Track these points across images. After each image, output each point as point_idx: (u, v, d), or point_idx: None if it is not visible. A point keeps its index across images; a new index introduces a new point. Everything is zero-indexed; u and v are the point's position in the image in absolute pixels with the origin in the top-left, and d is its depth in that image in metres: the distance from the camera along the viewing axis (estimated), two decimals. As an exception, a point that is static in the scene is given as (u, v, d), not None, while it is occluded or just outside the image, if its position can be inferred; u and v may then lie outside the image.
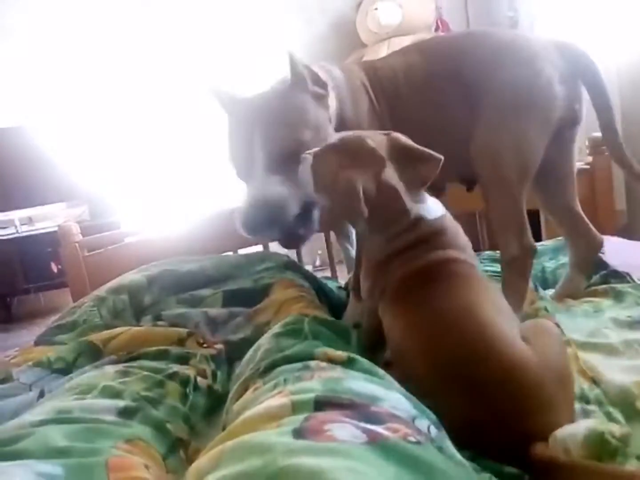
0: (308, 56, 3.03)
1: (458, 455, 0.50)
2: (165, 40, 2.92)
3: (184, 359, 0.90)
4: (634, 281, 1.17)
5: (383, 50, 2.72)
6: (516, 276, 1.06)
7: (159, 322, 1.08)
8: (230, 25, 2.93)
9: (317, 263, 3.11)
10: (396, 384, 0.65)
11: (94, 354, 0.95)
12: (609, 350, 0.92)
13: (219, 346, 1.00)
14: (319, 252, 2.98)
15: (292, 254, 1.58)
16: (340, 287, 1.46)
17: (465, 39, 1.16)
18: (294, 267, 1.32)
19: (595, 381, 0.82)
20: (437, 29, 2.87)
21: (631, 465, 0.62)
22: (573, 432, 0.63)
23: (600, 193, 1.49)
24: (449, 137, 1.11)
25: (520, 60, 1.06)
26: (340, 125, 1.06)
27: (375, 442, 0.44)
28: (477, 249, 1.70)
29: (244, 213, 0.95)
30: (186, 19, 2.91)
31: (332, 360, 0.67)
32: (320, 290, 1.28)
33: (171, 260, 1.32)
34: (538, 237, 1.50)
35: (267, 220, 0.95)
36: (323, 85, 1.01)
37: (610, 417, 0.72)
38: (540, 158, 1.06)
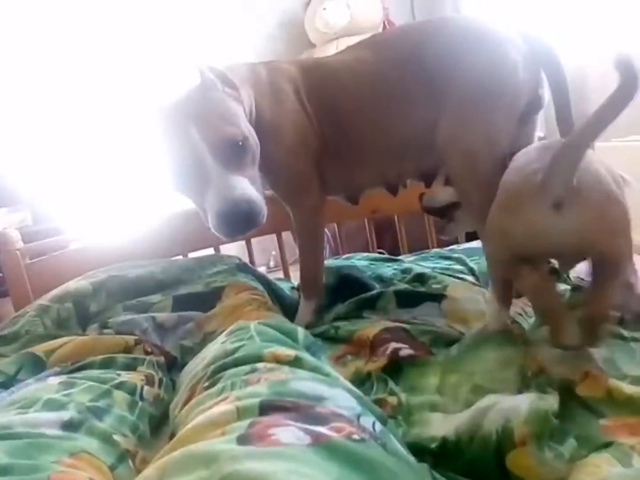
0: (257, 56, 3.01)
1: (402, 450, 0.52)
2: (97, 40, 2.84)
3: (131, 367, 0.89)
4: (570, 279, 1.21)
5: (332, 50, 2.74)
6: None
7: (105, 330, 1.06)
8: (177, 26, 2.88)
9: (271, 264, 3.11)
10: (342, 381, 0.66)
11: (36, 365, 0.92)
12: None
13: (168, 353, 0.99)
14: (273, 253, 2.97)
15: (244, 255, 1.58)
16: (293, 288, 1.47)
17: (424, 27, 1.12)
18: (246, 269, 1.32)
19: (540, 369, 0.86)
20: (384, 29, 2.91)
21: (569, 445, 0.65)
22: (516, 405, 0.65)
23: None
24: (406, 132, 1.09)
25: (485, 44, 1.02)
26: (257, 124, 1.05)
27: (319, 443, 0.45)
28: (425, 247, 1.74)
29: (226, 215, 0.92)
30: (129, 14, 2.84)
31: (279, 360, 0.67)
32: (273, 292, 1.28)
33: (119, 266, 1.29)
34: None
35: (252, 220, 0.94)
36: (232, 85, 1.01)
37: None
38: (509, 146, 1.02)
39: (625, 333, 0.92)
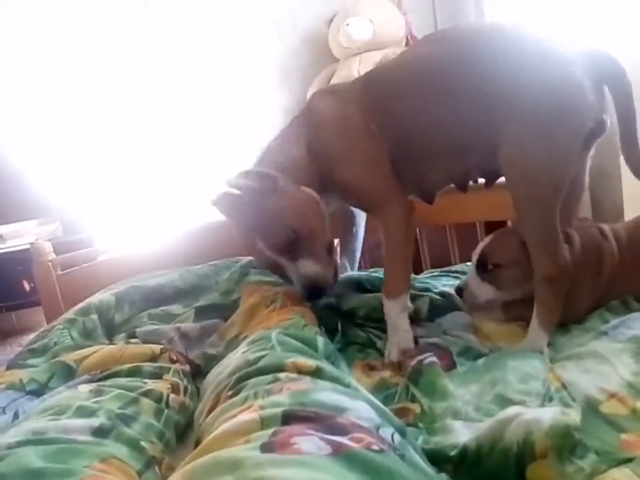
0: (281, 70, 3.03)
1: (421, 462, 0.53)
2: (126, 58, 2.92)
3: (157, 375, 0.91)
4: None
5: (355, 65, 2.76)
6: (550, 295, 1.02)
7: (132, 340, 1.09)
8: (202, 42, 2.95)
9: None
10: (362, 392, 0.67)
11: (67, 373, 0.95)
12: (577, 359, 0.96)
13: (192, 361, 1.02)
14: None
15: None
16: None
17: (490, 33, 1.08)
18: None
19: (564, 385, 0.86)
20: (407, 44, 2.92)
21: (589, 459, 0.65)
22: (538, 418, 0.65)
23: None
24: (465, 134, 1.07)
25: (551, 62, 0.98)
26: (326, 154, 1.13)
27: (339, 453, 0.47)
28: (448, 263, 1.73)
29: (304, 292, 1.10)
30: (154, 31, 2.92)
31: (301, 370, 0.69)
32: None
33: (139, 277, 1.34)
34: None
35: (322, 288, 1.10)
36: (267, 177, 1.09)
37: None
38: (572, 171, 1.01)
39: None
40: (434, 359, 0.94)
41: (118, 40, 2.85)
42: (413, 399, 0.86)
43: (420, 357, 0.95)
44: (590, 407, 0.78)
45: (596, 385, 0.83)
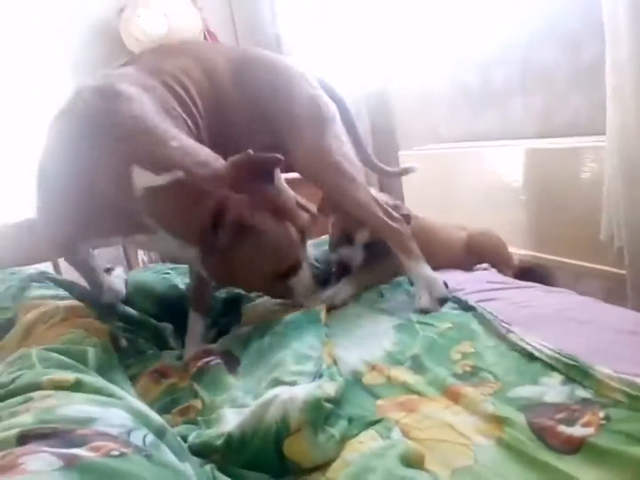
0: (71, 62, 2.78)
1: (173, 460, 0.54)
2: None
3: None
4: None
5: (151, 59, 2.67)
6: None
7: None
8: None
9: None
10: (126, 400, 0.65)
11: None
12: (348, 332, 1.05)
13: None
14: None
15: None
16: None
17: (263, 66, 1.25)
18: (41, 277, 1.25)
19: (335, 361, 0.94)
20: (205, 39, 2.91)
21: (340, 426, 0.71)
22: (293, 396, 0.70)
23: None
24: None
25: (305, 84, 1.25)
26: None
27: (70, 466, 0.45)
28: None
29: None
30: None
31: (58, 386, 0.65)
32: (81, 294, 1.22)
33: None
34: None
35: None
36: None
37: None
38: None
39: None
40: (219, 360, 0.97)
41: None
42: (196, 396, 0.87)
43: (206, 359, 0.97)
44: (355, 380, 0.87)
45: (362, 358, 0.92)
